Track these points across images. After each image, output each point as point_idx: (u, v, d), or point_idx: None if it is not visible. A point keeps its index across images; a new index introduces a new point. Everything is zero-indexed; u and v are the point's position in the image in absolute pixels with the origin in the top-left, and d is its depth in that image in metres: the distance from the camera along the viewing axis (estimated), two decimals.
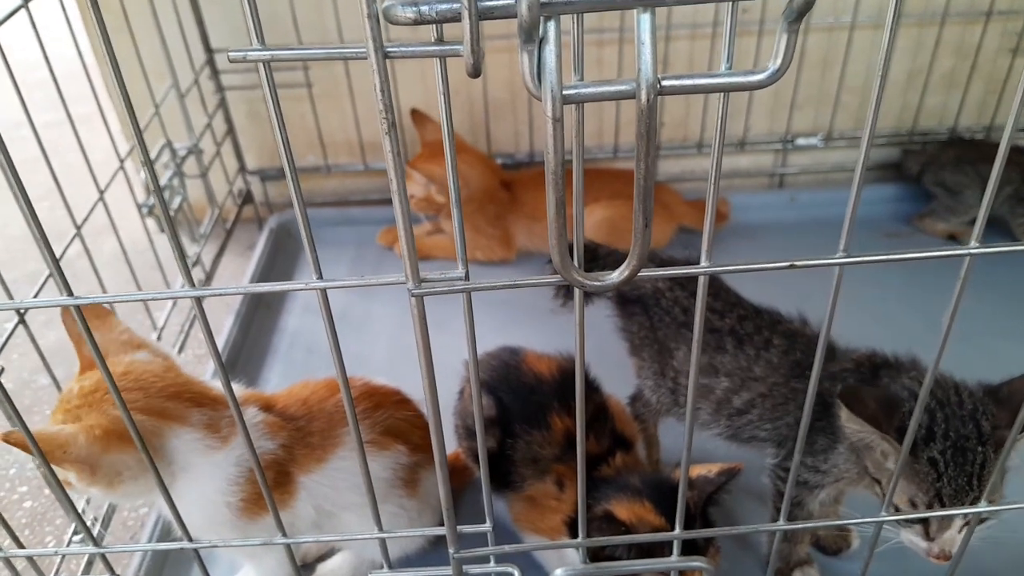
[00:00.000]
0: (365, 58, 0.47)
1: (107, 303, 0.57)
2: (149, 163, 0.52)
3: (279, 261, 1.82)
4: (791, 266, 0.58)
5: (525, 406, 1.10)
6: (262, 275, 1.75)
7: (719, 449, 1.12)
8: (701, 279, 0.60)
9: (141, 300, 0.68)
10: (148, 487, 0.86)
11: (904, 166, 1.91)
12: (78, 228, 1.25)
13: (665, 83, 0.47)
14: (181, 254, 0.56)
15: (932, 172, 1.81)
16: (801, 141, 1.97)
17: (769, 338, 1.05)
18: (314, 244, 0.55)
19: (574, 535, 0.81)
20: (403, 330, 1.58)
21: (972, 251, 0.59)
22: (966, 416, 0.88)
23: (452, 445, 1.21)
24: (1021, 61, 1.84)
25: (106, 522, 1.19)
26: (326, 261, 0.58)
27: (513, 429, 1.08)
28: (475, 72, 0.47)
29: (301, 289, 0.56)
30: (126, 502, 1.07)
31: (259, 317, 1.68)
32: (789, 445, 1.03)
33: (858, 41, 1.82)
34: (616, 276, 0.54)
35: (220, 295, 0.57)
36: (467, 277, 0.57)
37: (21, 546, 0.74)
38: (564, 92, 0.46)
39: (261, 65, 0.52)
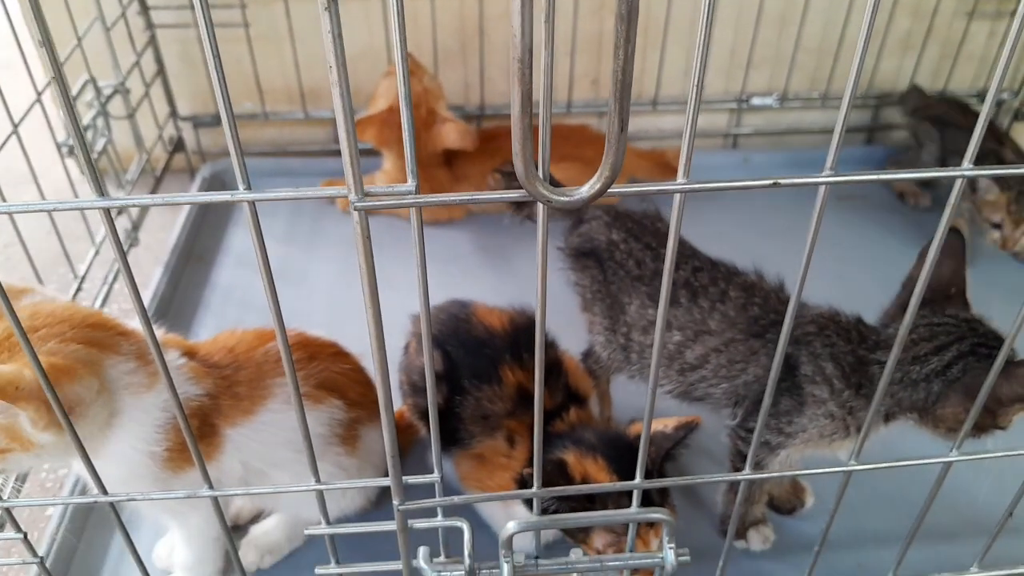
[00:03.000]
0: None
1: (6, 212, 0.49)
2: (52, 56, 0.45)
3: (211, 212, 1.71)
4: (775, 184, 0.53)
5: (475, 360, 1.04)
6: (193, 227, 1.65)
7: (671, 408, 1.07)
8: (677, 197, 0.55)
9: (42, 211, 0.60)
10: (99, 423, 0.80)
11: (905, 98, 1.87)
12: None
13: None
14: (87, 157, 0.48)
15: (918, 118, 1.80)
16: (756, 101, 1.92)
17: (725, 291, 1.01)
18: (240, 146, 0.48)
19: None
20: (344, 287, 1.50)
21: (965, 172, 0.55)
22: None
23: (397, 403, 1.14)
24: (977, 25, 1.82)
25: (20, 481, 1.10)
26: (262, 214, 0.52)
27: (462, 384, 1.02)
28: None
29: (227, 200, 0.49)
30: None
31: (190, 270, 1.58)
32: (746, 404, 1.00)
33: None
34: (586, 190, 0.48)
35: (132, 206, 0.50)
36: (418, 191, 0.50)
37: None
38: None
39: None
